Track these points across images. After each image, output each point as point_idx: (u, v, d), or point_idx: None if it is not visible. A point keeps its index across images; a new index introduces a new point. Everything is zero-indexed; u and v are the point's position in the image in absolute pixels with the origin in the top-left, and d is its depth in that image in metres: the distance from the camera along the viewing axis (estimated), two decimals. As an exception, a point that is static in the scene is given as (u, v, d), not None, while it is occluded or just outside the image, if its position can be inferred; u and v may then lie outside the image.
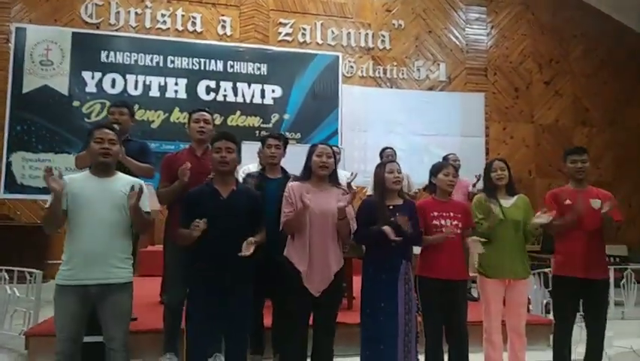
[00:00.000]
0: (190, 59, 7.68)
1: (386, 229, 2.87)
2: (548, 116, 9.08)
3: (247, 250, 2.64)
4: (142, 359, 3.28)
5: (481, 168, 8.29)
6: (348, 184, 3.46)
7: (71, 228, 2.59)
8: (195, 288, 2.76)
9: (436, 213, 3.19)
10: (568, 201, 3.42)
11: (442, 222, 3.15)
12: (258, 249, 2.75)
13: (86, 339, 2.64)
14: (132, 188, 2.60)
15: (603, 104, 9.23)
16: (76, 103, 7.16)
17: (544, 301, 4.59)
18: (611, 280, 4.64)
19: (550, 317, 3.78)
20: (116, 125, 3.11)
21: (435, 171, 3.33)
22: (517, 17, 9.09)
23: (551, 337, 3.68)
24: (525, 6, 9.10)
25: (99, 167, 2.69)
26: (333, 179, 3.08)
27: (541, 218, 3.24)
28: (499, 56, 8.99)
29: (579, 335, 3.57)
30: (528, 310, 3.92)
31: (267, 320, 3.40)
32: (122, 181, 2.72)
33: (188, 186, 3.03)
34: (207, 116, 3.47)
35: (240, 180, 3.27)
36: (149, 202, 2.77)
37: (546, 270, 4.56)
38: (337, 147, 5.72)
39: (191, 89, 7.62)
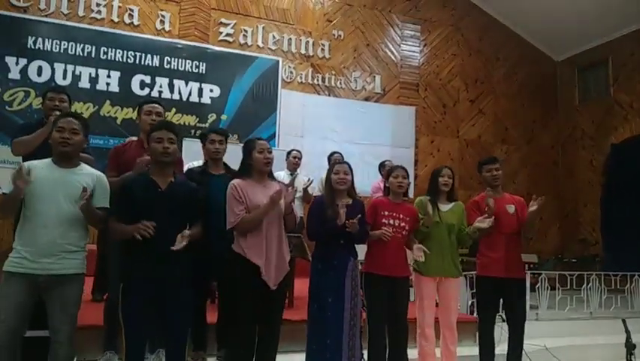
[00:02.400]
0: (124, 52, 7.38)
1: (340, 212, 2.97)
2: (472, 133, 9.66)
3: (180, 242, 2.58)
4: (83, 358, 3.14)
5: (411, 177, 8.76)
6: (304, 189, 3.54)
7: (26, 215, 2.50)
8: (130, 283, 2.65)
9: (386, 213, 3.39)
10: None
11: (391, 221, 3.33)
12: (193, 243, 2.70)
13: (28, 334, 2.52)
14: (84, 189, 2.49)
15: (521, 124, 9.99)
16: (-4, 89, 6.66)
17: (470, 302, 4.90)
18: (527, 285, 5.06)
19: (476, 315, 4.05)
20: (56, 112, 2.98)
21: (387, 174, 3.54)
22: (447, 37, 9.62)
23: (476, 334, 3.94)
24: (456, 27, 9.66)
25: (59, 156, 2.58)
26: (271, 174, 3.13)
27: (483, 223, 3.50)
28: (430, 72, 9.46)
29: (500, 334, 3.87)
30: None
31: (210, 317, 3.36)
32: (84, 173, 2.62)
33: None
34: (160, 108, 3.40)
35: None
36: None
37: (472, 272, 4.87)
38: (298, 151, 5.81)
39: (124, 82, 7.31)
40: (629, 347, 3.59)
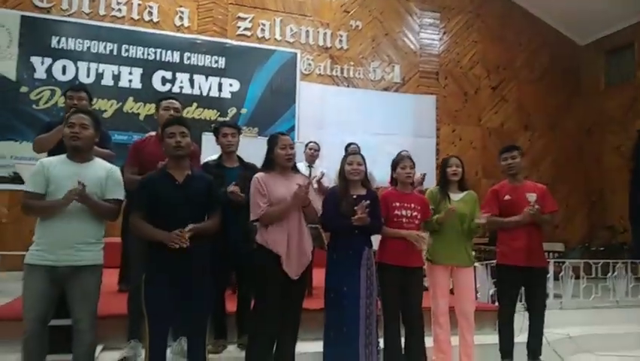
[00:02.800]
0: (145, 49, 7.52)
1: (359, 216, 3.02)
2: (494, 120, 9.53)
3: (184, 237, 2.61)
4: (108, 346, 3.25)
5: (433, 167, 8.67)
6: (318, 181, 3.57)
7: None
8: (151, 273, 2.73)
9: (397, 204, 3.38)
10: (507, 197, 3.72)
11: (403, 212, 3.34)
12: (212, 234, 2.78)
13: (53, 322, 2.62)
14: (78, 182, 2.55)
15: (544, 110, 9.80)
16: (24, 89, 6.84)
17: (491, 291, 4.86)
18: (551, 274, 5.00)
19: (497, 304, 4.03)
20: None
21: (394, 165, 3.53)
22: (468, 24, 9.48)
23: (497, 322, 3.92)
24: (475, 14, 9.51)
25: (71, 151, 2.66)
26: (294, 166, 3.20)
27: (481, 220, 3.49)
28: (450, 60, 9.34)
29: (522, 322, 3.84)
30: (475, 297, 4.17)
31: (230, 306, 3.44)
32: (98, 167, 2.70)
33: None
34: (177, 104, 3.46)
35: None
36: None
37: (493, 261, 4.83)
38: (316, 143, 5.84)
39: (146, 79, 7.46)
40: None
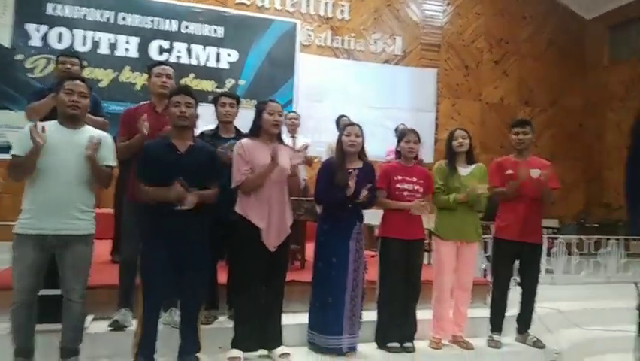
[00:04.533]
0: (143, 17, 7.40)
1: (350, 183, 3.03)
2: (495, 95, 9.43)
3: (190, 203, 2.66)
4: (99, 315, 3.29)
5: (432, 142, 8.59)
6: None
7: (34, 176, 2.55)
8: (149, 242, 2.75)
9: (399, 177, 3.39)
10: (509, 171, 3.69)
11: (405, 185, 3.35)
12: (209, 204, 2.79)
13: (43, 292, 2.63)
14: (91, 138, 2.56)
15: (547, 86, 9.68)
16: (19, 57, 6.77)
17: (483, 266, 4.91)
18: (544, 249, 5.04)
19: (489, 278, 4.08)
20: None
21: (399, 138, 3.53)
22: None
23: (488, 296, 3.97)
24: (480, -15, 9.32)
25: (67, 118, 2.64)
26: (279, 136, 3.15)
27: (480, 188, 3.47)
28: (452, 33, 9.19)
29: (514, 297, 3.89)
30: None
31: (222, 277, 3.48)
32: (89, 134, 2.69)
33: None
34: (169, 70, 3.40)
35: None
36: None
37: (486, 237, 4.86)
38: (295, 112, 5.77)
39: (143, 48, 7.36)
40: (641, 309, 3.58)
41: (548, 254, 5.33)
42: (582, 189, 9.72)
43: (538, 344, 3.73)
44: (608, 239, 5.81)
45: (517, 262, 3.88)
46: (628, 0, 9.03)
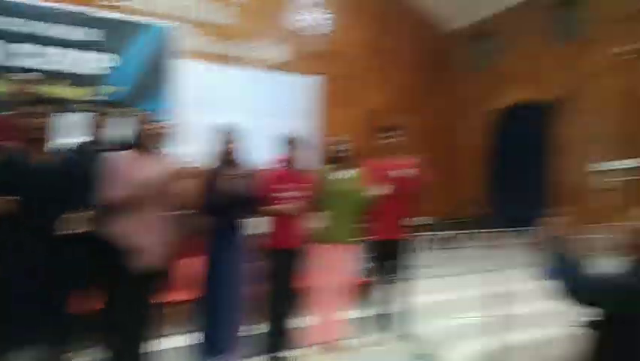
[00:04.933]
0: (9, 19, 6.74)
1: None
2: (374, 102, 9.96)
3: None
4: None
5: (316, 148, 8.77)
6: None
7: None
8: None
9: (282, 185, 3.49)
10: (379, 173, 3.92)
11: (284, 192, 3.46)
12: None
13: None
14: None
15: (412, 92, 10.51)
16: None
17: (364, 267, 5.17)
18: (408, 247, 5.41)
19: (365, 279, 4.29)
20: None
21: (286, 145, 3.63)
22: (350, 5, 9.74)
23: (370, 297, 4.20)
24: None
25: None
26: (156, 148, 3.05)
27: (376, 190, 3.70)
28: (335, 41, 9.53)
29: (389, 294, 4.14)
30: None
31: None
32: None
33: None
34: (30, 76, 3.18)
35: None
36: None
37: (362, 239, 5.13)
38: (171, 121, 5.64)
39: (9, 52, 6.70)
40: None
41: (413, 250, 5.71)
42: (444, 188, 10.57)
43: (405, 338, 3.98)
44: (468, 233, 6.37)
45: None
46: (483, 15, 10.12)
